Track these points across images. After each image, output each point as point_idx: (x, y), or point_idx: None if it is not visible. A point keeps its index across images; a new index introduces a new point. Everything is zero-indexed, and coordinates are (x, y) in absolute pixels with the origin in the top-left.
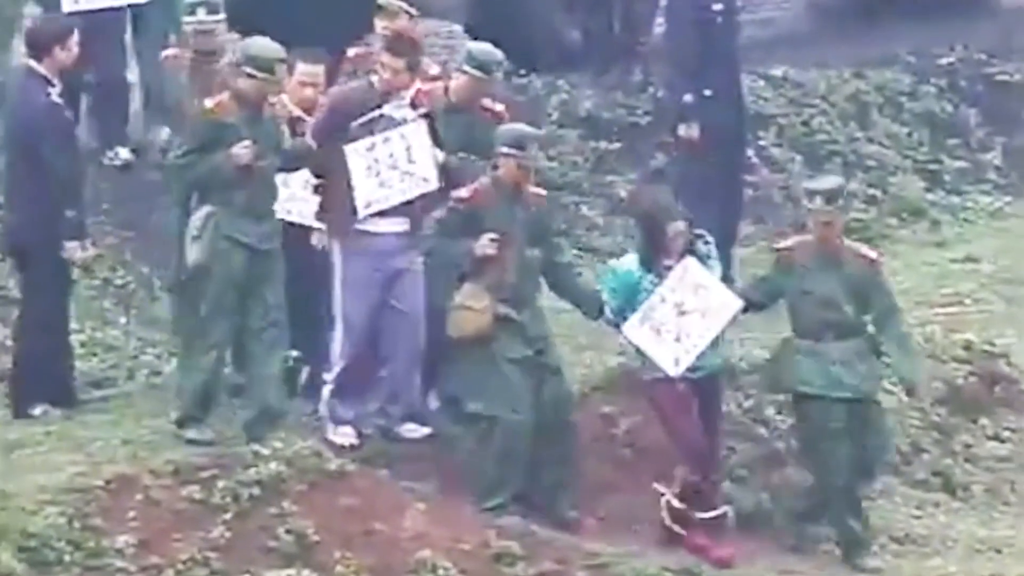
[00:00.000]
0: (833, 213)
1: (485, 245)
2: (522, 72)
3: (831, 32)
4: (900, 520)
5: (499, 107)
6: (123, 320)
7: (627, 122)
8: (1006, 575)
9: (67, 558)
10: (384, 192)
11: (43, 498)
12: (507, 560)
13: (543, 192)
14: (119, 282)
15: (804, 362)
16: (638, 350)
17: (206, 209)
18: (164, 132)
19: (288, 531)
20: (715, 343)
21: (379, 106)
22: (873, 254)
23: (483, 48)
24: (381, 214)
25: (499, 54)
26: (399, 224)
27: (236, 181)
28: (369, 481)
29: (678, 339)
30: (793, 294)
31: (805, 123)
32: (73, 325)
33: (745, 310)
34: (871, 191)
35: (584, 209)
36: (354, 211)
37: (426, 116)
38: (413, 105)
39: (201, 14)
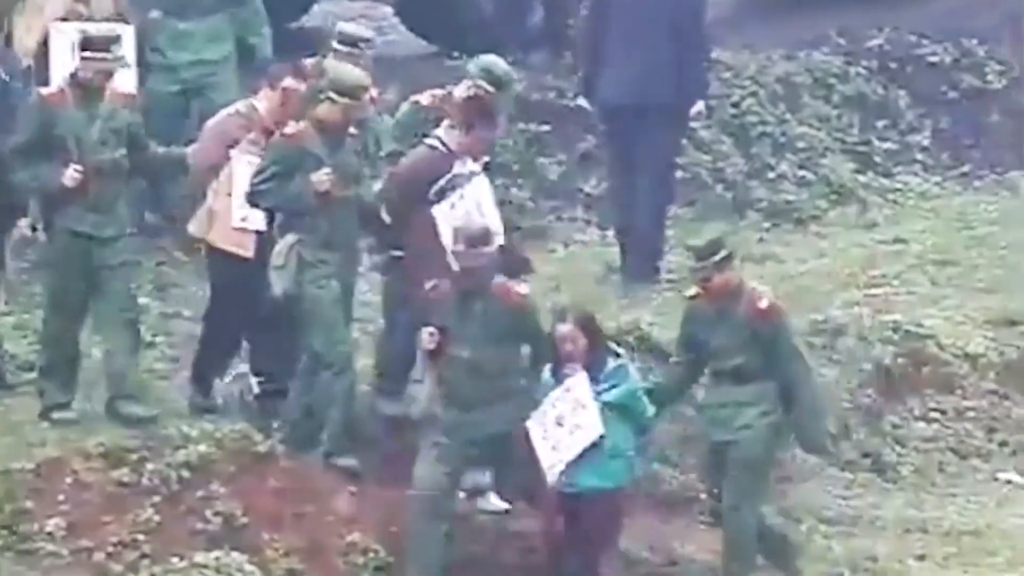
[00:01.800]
0: (708, 269)
1: (424, 335)
2: (454, 55)
3: (761, 14)
4: (829, 501)
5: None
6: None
7: (557, 104)
8: (934, 555)
9: None
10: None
11: None
12: None
13: (524, 291)
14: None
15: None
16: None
17: (290, 238)
18: None
19: (217, 513)
20: (599, 462)
21: (450, 168)
22: (764, 304)
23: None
24: None
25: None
26: None
27: (316, 209)
28: (298, 463)
29: (555, 449)
30: (695, 341)
31: (735, 104)
32: (2, 308)
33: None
34: (801, 172)
35: (514, 191)
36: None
37: (486, 167)
38: (472, 157)
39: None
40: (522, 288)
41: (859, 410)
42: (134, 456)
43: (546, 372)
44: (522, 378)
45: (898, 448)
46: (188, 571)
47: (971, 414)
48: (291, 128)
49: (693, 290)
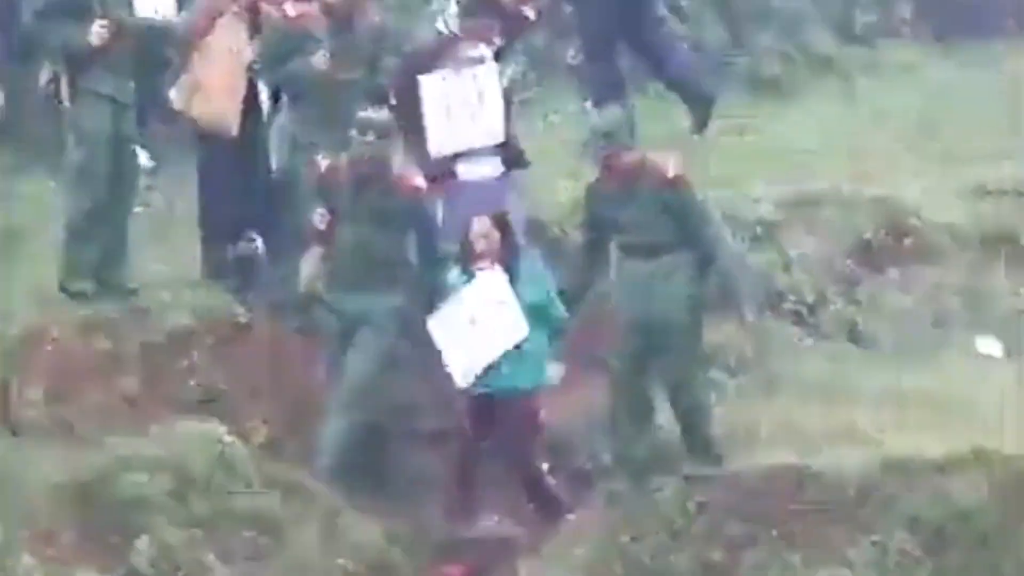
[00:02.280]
0: (608, 150)
1: (316, 218)
2: None
3: None
4: (807, 371)
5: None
6: (39, 169)
7: None
8: (911, 424)
9: None
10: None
11: None
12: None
13: (420, 184)
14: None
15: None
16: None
17: (283, 117)
18: None
19: (197, 383)
20: (515, 362)
21: (456, 51)
22: (670, 171)
23: None
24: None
25: None
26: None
27: (314, 90)
28: (278, 333)
29: (468, 351)
30: (602, 220)
31: None
32: None
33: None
34: (783, 46)
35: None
36: None
37: (498, 55)
38: (482, 42)
39: None
40: (419, 179)
41: (838, 281)
42: (116, 325)
43: (453, 271)
44: (406, 269)
45: (877, 319)
46: (168, 440)
47: (950, 285)
48: (293, 9)
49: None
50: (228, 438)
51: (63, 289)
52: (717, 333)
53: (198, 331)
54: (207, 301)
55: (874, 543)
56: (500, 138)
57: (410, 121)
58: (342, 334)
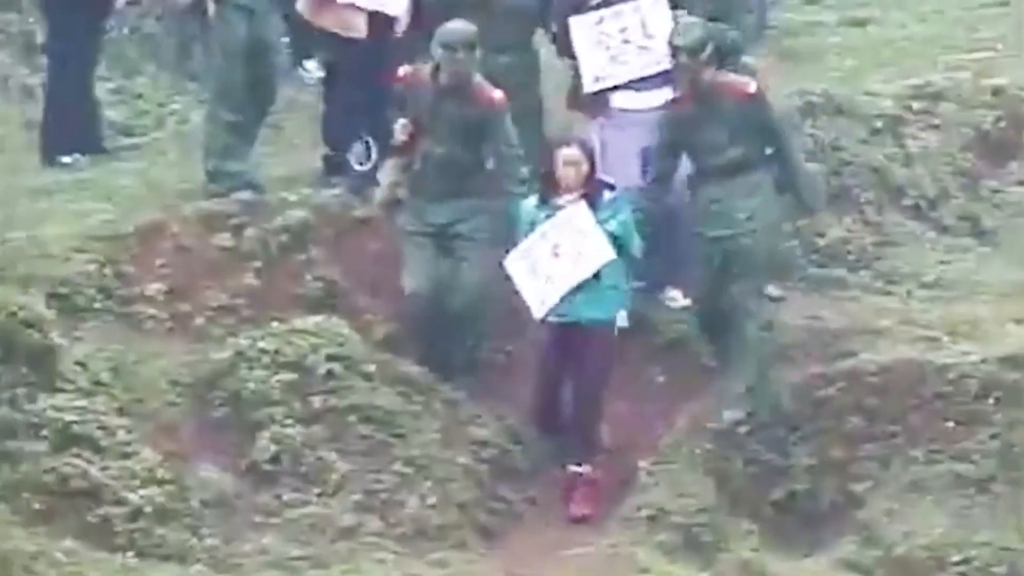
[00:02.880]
0: (696, 65)
1: (398, 129)
2: None
3: None
4: (928, 266)
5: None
6: (152, 68)
7: None
8: None
9: (97, 305)
10: (616, 68)
11: (73, 245)
12: None
13: (497, 95)
14: (147, 31)
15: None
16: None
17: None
18: None
19: (316, 278)
20: (595, 294)
21: None
22: (750, 87)
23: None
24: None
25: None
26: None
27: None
28: (397, 228)
29: (548, 280)
30: (682, 144)
31: None
32: (102, 73)
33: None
34: None
35: None
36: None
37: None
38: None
39: None
40: (497, 92)
41: (959, 175)
42: (234, 221)
43: (531, 201)
44: (486, 181)
45: (997, 212)
46: (287, 335)
47: None
48: None
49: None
50: (347, 333)
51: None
52: (838, 228)
53: (317, 226)
54: (326, 198)
55: (995, 437)
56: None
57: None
58: (430, 243)
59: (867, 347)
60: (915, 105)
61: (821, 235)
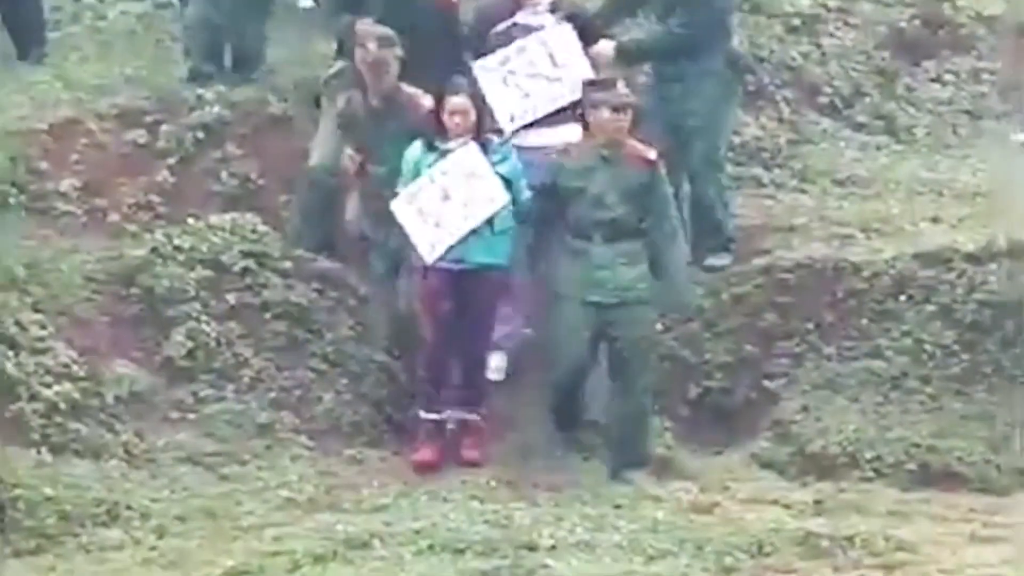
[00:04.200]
0: (620, 119)
1: (345, 161)
2: None
3: None
4: (843, 163)
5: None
6: None
7: None
8: (947, 216)
9: (11, 200)
10: (529, 103)
11: None
12: None
13: (425, 102)
14: None
15: (570, 263)
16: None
17: None
18: None
19: (232, 174)
20: (487, 239)
21: (513, 14)
22: (652, 155)
23: None
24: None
25: None
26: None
27: None
28: (312, 125)
29: (438, 224)
30: (568, 192)
31: None
32: None
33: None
34: None
35: None
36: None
37: (570, 19)
38: (552, 10)
39: None
40: (426, 100)
41: (874, 73)
42: (149, 118)
43: (416, 146)
44: None
45: (912, 110)
46: (203, 232)
47: (986, 76)
48: None
49: (563, 144)
50: (262, 229)
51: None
52: (754, 126)
53: (232, 123)
54: (241, 95)
55: (907, 334)
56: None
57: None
58: (389, 271)
59: (782, 244)
60: (831, 3)
61: (737, 133)
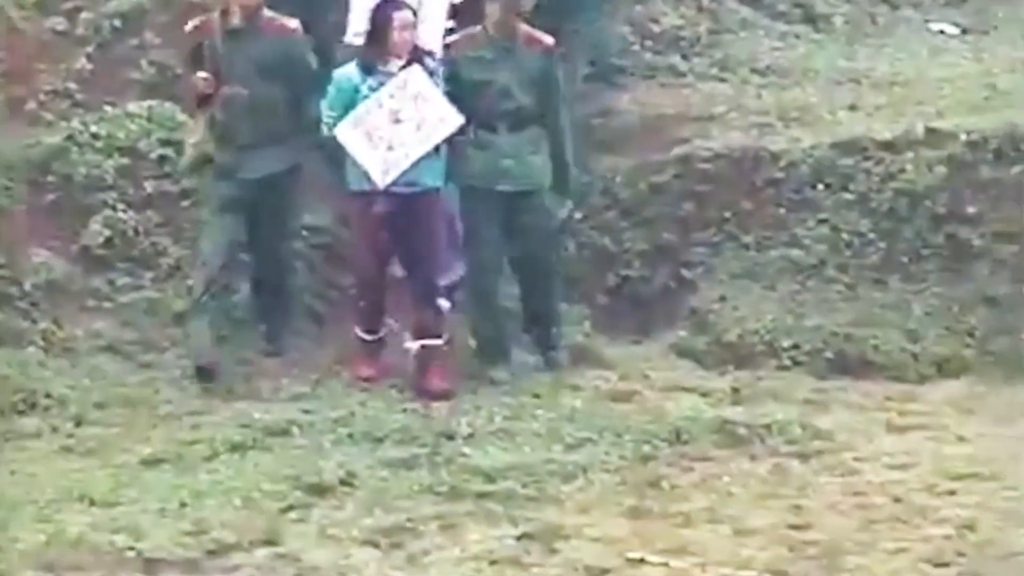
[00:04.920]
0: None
1: (197, 83)
2: None
3: None
4: (762, 52)
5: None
6: None
7: None
8: (865, 105)
9: None
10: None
11: None
12: None
13: (293, 24)
14: None
15: (476, 154)
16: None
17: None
18: None
19: (150, 62)
20: (431, 160)
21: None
22: (549, 40)
23: None
24: None
25: None
26: None
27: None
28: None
29: (391, 148)
30: (473, 85)
31: None
32: None
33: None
34: None
35: None
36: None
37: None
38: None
39: None
40: (292, 22)
41: None
42: (68, 4)
43: (349, 70)
44: (292, 118)
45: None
46: (121, 119)
47: None
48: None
49: (459, 36)
50: (180, 117)
51: None
52: (673, 15)
53: (151, 11)
54: None
55: (824, 222)
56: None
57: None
58: (241, 200)
59: (700, 134)
60: None
61: (655, 21)
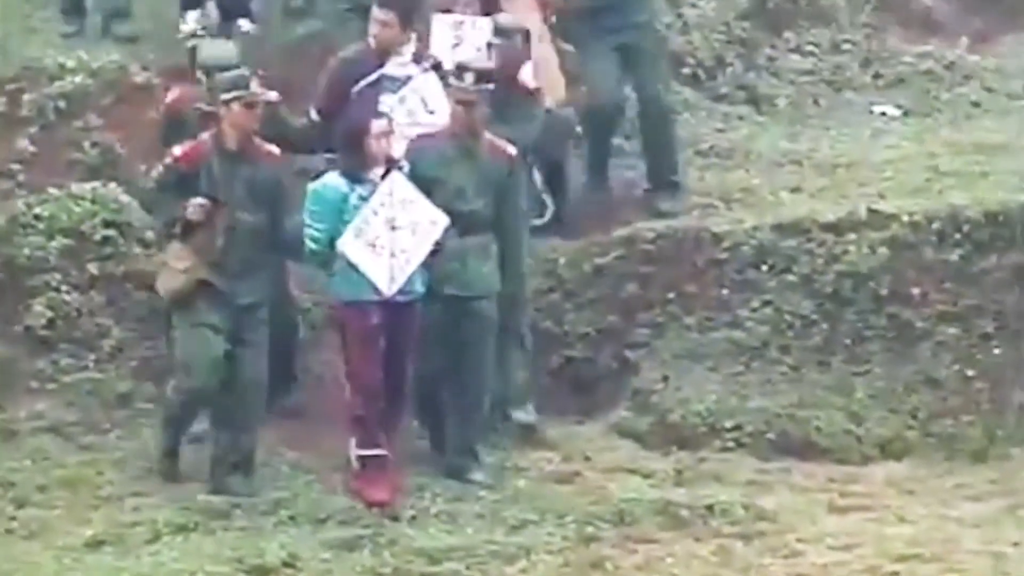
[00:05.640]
0: (470, 111)
1: (193, 209)
2: None
3: None
4: (705, 133)
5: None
6: None
7: None
8: (808, 187)
9: None
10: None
11: None
12: None
13: (275, 150)
14: None
15: None
16: (353, 267)
17: None
18: None
19: (94, 144)
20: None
21: (380, 66)
22: (511, 149)
23: None
24: None
25: None
26: None
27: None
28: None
29: (393, 255)
30: (428, 181)
31: None
32: None
33: None
34: None
35: None
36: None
37: (436, 67)
38: (416, 60)
39: None
40: (271, 148)
41: (736, 43)
42: (10, 86)
43: (332, 180)
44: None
45: (773, 81)
46: (64, 201)
47: (847, 47)
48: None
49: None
50: (124, 199)
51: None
52: None
53: (94, 92)
54: (103, 63)
55: (767, 304)
56: (445, 221)
57: (338, 134)
58: (228, 323)
59: (643, 215)
60: None
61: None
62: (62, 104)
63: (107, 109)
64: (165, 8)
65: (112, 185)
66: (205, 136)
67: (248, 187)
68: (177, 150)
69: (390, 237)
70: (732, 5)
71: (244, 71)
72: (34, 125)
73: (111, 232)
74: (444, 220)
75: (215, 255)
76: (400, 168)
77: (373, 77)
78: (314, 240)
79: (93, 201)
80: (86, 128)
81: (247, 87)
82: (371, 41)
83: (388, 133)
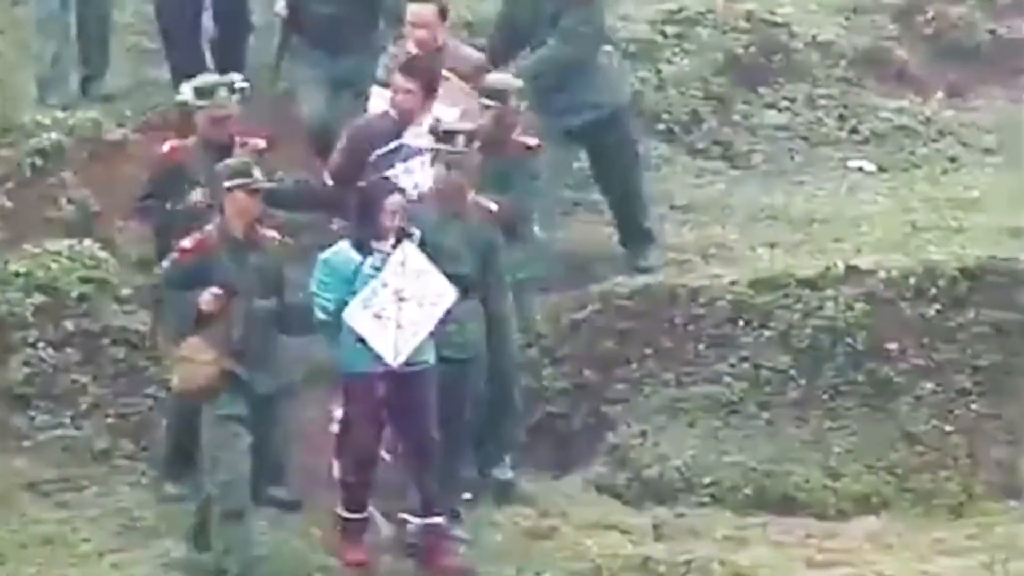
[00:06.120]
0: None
1: (208, 301)
2: None
3: None
4: (681, 189)
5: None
6: None
7: None
8: (784, 242)
9: None
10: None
11: None
12: None
13: (275, 234)
14: None
15: None
16: (360, 339)
17: None
18: None
19: (70, 201)
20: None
21: (398, 135)
22: (492, 206)
23: None
24: None
25: None
26: None
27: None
28: (149, 149)
29: (399, 327)
30: (427, 245)
31: None
32: None
33: None
34: None
35: None
36: None
37: (445, 136)
38: (432, 131)
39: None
40: (271, 232)
41: (711, 99)
42: None
43: (343, 250)
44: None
45: (749, 136)
46: (40, 258)
47: (822, 102)
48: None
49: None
50: (100, 255)
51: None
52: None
53: (70, 149)
54: (80, 120)
55: (745, 359)
56: (455, 293)
57: (347, 204)
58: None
59: (619, 270)
60: (668, 30)
61: (575, 158)
62: (38, 161)
63: (83, 165)
64: (140, 66)
65: (88, 242)
66: (209, 227)
67: (259, 274)
68: (187, 242)
69: (397, 308)
70: (708, 61)
71: (246, 158)
72: (10, 181)
73: (87, 288)
74: (453, 293)
75: (234, 345)
76: (411, 237)
77: (392, 146)
78: (324, 310)
79: (69, 258)
80: (62, 185)
81: (250, 174)
82: (391, 110)
83: (401, 209)
